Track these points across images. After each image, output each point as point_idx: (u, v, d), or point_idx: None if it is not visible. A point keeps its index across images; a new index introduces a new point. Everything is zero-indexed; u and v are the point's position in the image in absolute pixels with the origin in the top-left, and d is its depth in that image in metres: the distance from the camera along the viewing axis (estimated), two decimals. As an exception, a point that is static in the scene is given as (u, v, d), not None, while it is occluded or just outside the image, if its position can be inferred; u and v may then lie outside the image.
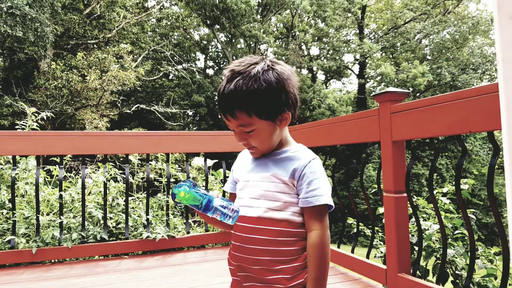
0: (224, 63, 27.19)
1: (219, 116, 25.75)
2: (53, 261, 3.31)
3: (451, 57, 23.59)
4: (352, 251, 2.84)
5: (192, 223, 4.10)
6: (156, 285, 2.67)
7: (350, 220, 3.73)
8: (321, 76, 27.53)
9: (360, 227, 3.06)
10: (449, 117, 1.94)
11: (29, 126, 4.04)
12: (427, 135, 2.16)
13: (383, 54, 26.18)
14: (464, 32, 22.94)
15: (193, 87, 22.29)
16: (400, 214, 2.34)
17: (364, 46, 22.35)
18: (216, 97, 1.13)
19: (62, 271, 3.05)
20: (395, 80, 21.69)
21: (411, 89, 20.90)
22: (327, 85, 27.40)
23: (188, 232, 3.73)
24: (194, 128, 24.52)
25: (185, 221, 3.87)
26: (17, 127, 4.06)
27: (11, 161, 3.60)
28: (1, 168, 3.69)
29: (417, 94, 22.14)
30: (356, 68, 26.30)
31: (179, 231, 3.75)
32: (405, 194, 2.37)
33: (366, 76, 24.19)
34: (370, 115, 2.56)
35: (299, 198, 1.08)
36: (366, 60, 23.69)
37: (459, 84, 21.83)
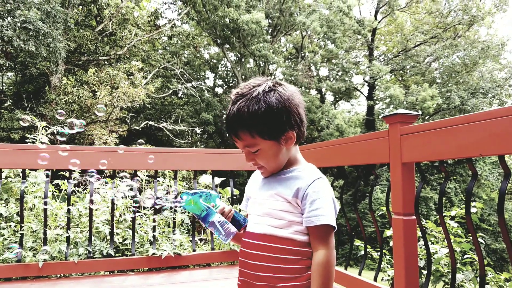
0: (233, 82, 27.49)
1: (227, 135, 25.92)
2: (59, 275, 3.30)
3: (460, 80, 23.62)
4: (360, 273, 2.80)
5: (198, 241, 4.08)
6: (161, 303, 2.65)
7: (358, 242, 3.68)
8: (329, 97, 27.67)
9: (367, 250, 3.02)
10: (460, 140, 1.94)
11: (39, 140, 4.10)
12: (437, 158, 2.15)
13: (393, 76, 26.32)
14: (474, 56, 23.02)
15: (201, 105, 22.50)
16: (408, 236, 2.31)
17: (373, 68, 22.51)
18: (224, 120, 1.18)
19: (68, 285, 3.04)
20: (404, 102, 21.71)
21: (420, 112, 20.87)
22: (336, 106, 27.50)
23: (194, 250, 3.71)
24: (202, 146, 24.63)
25: (191, 238, 3.85)
26: (27, 140, 4.12)
27: (21, 174, 3.64)
28: (11, 181, 3.73)
29: (426, 117, 22.10)
30: (365, 90, 26.42)
31: (185, 249, 3.73)
32: (414, 217, 2.34)
33: (375, 98, 24.25)
34: (379, 136, 2.56)
35: (302, 217, 1.08)
36: (376, 82, 23.80)
37: (469, 108, 21.78)
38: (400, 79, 26.76)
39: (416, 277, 2.30)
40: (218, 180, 4.65)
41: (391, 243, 2.79)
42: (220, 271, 3.55)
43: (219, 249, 3.87)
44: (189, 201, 1.09)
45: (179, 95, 24.25)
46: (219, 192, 4.61)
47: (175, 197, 1.14)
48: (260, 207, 1.14)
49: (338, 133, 20.57)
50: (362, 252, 3.31)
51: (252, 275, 1.09)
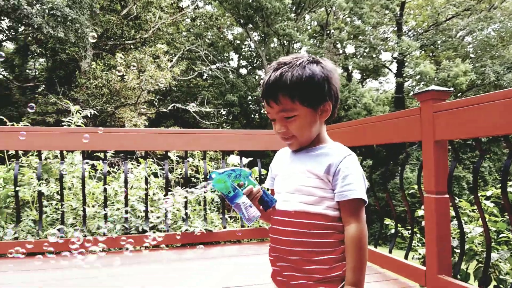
0: (257, 62, 27.29)
1: (252, 116, 25.91)
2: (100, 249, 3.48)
3: (496, 55, 22.54)
4: (390, 252, 2.82)
5: (228, 219, 4.18)
6: (196, 276, 2.76)
7: (387, 221, 3.68)
8: (356, 75, 27.09)
9: (397, 228, 3.02)
10: (496, 117, 1.90)
11: (74, 123, 4.25)
12: (472, 135, 2.11)
13: (423, 52, 25.41)
14: (510, 28, 21.85)
15: (226, 87, 22.54)
16: (441, 215, 2.30)
17: (402, 44, 21.78)
18: (260, 88, 1.16)
19: (108, 259, 3.20)
20: (435, 79, 21.00)
21: (452, 88, 20.17)
22: (363, 84, 26.92)
23: (224, 227, 3.81)
24: (228, 127, 24.77)
25: (221, 216, 3.95)
26: (63, 123, 4.28)
27: (59, 155, 3.81)
28: (50, 162, 3.91)
29: (459, 94, 21.34)
30: (394, 67, 25.67)
31: (216, 226, 3.84)
32: (447, 196, 2.32)
33: (404, 75, 23.55)
34: (411, 114, 2.53)
35: (334, 193, 1.10)
36: (405, 59, 23.06)
37: (504, 83, 20.84)
38: (431, 54, 25.80)
39: (448, 256, 2.29)
40: (245, 160, 4.70)
41: (422, 223, 2.78)
42: (250, 247, 3.65)
43: (248, 226, 3.96)
44: (218, 180, 1.10)
45: (204, 77, 24.34)
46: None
47: (207, 179, 1.16)
48: (290, 184, 1.15)
49: (365, 112, 20.20)
50: (392, 231, 3.31)
51: (285, 250, 1.12)
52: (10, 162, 3.85)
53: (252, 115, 26.19)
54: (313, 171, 1.12)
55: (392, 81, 27.23)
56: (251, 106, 25.70)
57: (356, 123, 3.22)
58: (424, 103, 2.39)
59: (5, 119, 4.15)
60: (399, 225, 3.14)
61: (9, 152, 3.84)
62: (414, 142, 2.64)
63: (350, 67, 25.26)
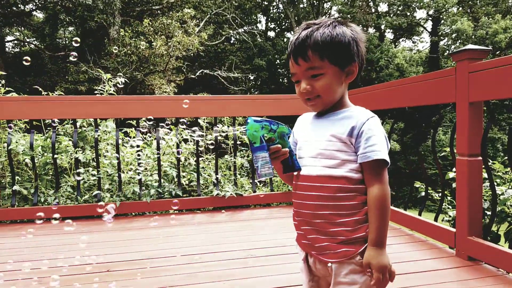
0: (286, 24, 26.61)
1: (281, 80, 25.58)
2: (134, 214, 3.66)
3: (540, 8, 20.95)
4: (420, 214, 2.81)
5: (258, 183, 4.26)
6: (227, 237, 2.87)
7: (418, 184, 3.64)
8: (389, 35, 25.99)
9: (428, 191, 2.99)
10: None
11: (106, 91, 4.36)
12: (509, 96, 2.02)
13: (460, 8, 23.92)
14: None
15: (254, 51, 22.23)
16: (473, 177, 2.25)
17: (438, 1, 20.56)
18: (289, 47, 1.15)
19: (143, 222, 3.37)
20: (473, 37, 19.87)
21: (490, 46, 19.06)
22: (396, 44, 25.85)
23: (254, 191, 3.90)
24: (256, 93, 24.65)
25: (251, 181, 4.03)
26: (96, 92, 4.39)
27: (93, 123, 3.94)
28: (85, 130, 4.06)
29: (497, 52, 20.16)
30: (429, 25, 24.42)
31: (245, 190, 3.93)
32: (479, 158, 2.27)
33: (439, 33, 22.39)
34: (445, 75, 2.43)
35: (357, 154, 1.10)
36: (441, 16, 21.83)
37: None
38: (469, 11, 24.27)
39: (479, 218, 2.27)
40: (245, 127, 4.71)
41: (453, 185, 2.74)
42: (279, 210, 3.72)
43: (277, 190, 4.02)
44: (251, 126, 1.08)
45: (232, 42, 24.05)
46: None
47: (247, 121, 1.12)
48: (313, 149, 1.15)
49: (398, 73, 19.52)
50: (422, 194, 3.28)
51: (309, 214, 1.14)
52: (47, 130, 4.02)
53: (281, 80, 25.87)
54: (336, 135, 1.12)
55: (426, 40, 26.00)
56: (279, 70, 25.35)
57: (388, 85, 3.13)
58: (460, 63, 2.29)
59: (40, 89, 4.30)
60: (429, 187, 3.11)
61: (46, 121, 4.01)
62: (448, 103, 2.55)
63: (382, 27, 24.21)
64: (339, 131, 1.12)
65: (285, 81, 25.68)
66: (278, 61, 24.41)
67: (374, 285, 1.07)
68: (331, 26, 1.11)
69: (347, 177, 1.11)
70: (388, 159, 1.09)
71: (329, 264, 1.11)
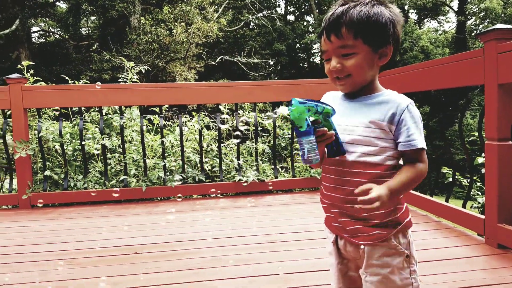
0: (306, 7, 26.16)
1: (301, 64, 25.29)
2: (159, 198, 3.74)
3: None
4: (447, 200, 2.76)
5: (280, 169, 4.27)
6: (249, 222, 2.90)
7: (445, 169, 3.57)
8: (413, 15, 25.22)
9: (455, 177, 2.93)
10: None
11: (130, 79, 4.42)
12: (542, 76, 1.95)
13: (489, -15, 22.91)
14: None
15: (273, 35, 22.00)
16: (503, 162, 2.20)
17: (465, -22, 19.76)
18: (323, 23, 1.11)
19: (168, 206, 3.45)
20: (502, 15, 19.06)
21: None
22: (421, 25, 25.08)
23: (276, 177, 3.91)
24: (276, 78, 24.50)
25: (273, 166, 4.04)
26: (119, 80, 4.46)
27: (118, 111, 4.02)
28: (110, 117, 4.14)
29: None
30: (455, 4, 23.54)
31: (267, 176, 3.95)
32: (510, 142, 2.20)
33: (467, 12, 21.57)
34: (472, 56, 2.36)
35: (397, 142, 1.08)
36: (468, -6, 21.00)
37: None
38: (499, -12, 23.21)
39: (510, 204, 2.21)
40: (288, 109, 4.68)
41: (482, 171, 2.68)
42: (302, 196, 3.73)
43: (299, 176, 4.02)
44: (295, 109, 1.02)
45: (251, 27, 23.87)
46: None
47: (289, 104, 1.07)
48: (347, 134, 1.11)
49: (423, 55, 18.99)
50: (449, 180, 3.22)
51: (340, 198, 1.12)
52: (74, 118, 4.13)
53: (301, 64, 25.58)
54: (375, 122, 1.08)
55: (453, 20, 25.11)
56: (299, 54, 25.05)
57: (412, 67, 3.06)
58: (488, 44, 2.21)
59: (66, 78, 4.40)
60: (457, 173, 3.05)
61: (73, 109, 4.11)
62: (476, 86, 2.48)
63: (406, 7, 23.49)
64: (379, 118, 1.08)
65: (306, 65, 25.39)
66: (298, 45, 24.11)
67: (360, 201, 1.01)
68: (369, 5, 1.07)
69: (383, 164, 1.09)
70: (425, 146, 1.10)
71: (362, 247, 1.11)
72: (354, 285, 1.20)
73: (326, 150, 1.12)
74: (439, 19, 25.97)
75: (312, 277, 1.95)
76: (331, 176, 1.15)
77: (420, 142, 1.07)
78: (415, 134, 1.07)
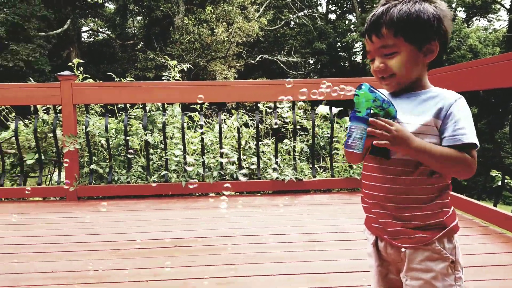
0: (348, 6, 25.71)
1: (342, 63, 24.89)
2: (198, 194, 3.82)
3: None
4: (495, 205, 2.63)
5: (318, 168, 4.23)
6: (287, 220, 2.90)
7: (494, 173, 3.39)
8: (461, 14, 24.13)
9: (505, 180, 2.78)
10: None
11: (172, 77, 4.54)
12: None
13: (546, -20, 21.51)
14: None
15: (314, 34, 21.79)
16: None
17: (520, -27, 18.64)
18: (365, 24, 1.10)
19: (206, 202, 3.51)
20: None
21: None
22: (469, 23, 23.94)
23: (314, 176, 3.88)
24: (316, 77, 24.26)
25: (311, 166, 4.01)
26: (163, 78, 4.59)
27: (161, 108, 4.14)
28: (153, 114, 4.27)
29: None
30: (507, 1, 22.27)
31: (305, 175, 3.92)
32: None
33: (520, 9, 20.33)
34: (528, 53, 2.22)
35: (442, 137, 1.04)
36: (522, -10, 19.80)
37: None
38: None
39: None
40: (335, 110, 4.62)
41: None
42: (340, 196, 3.68)
43: (338, 176, 3.97)
44: (363, 94, 1.01)
45: (291, 26, 23.77)
46: (337, 122, 4.59)
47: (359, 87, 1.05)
48: None
49: (471, 54, 18.13)
50: (499, 183, 3.06)
51: (381, 197, 1.09)
52: (119, 114, 4.29)
53: (342, 63, 25.19)
54: (419, 118, 1.05)
55: (504, 18, 23.75)
56: (340, 53, 24.67)
57: (459, 66, 2.93)
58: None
59: (113, 75, 4.59)
60: (506, 177, 2.89)
61: (118, 105, 4.28)
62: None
63: (453, 5, 22.51)
64: (424, 114, 1.05)
65: (347, 64, 24.96)
66: (339, 44, 23.75)
67: (372, 121, 0.99)
68: (411, 3, 1.05)
69: None
70: (478, 143, 1.03)
71: (403, 250, 1.08)
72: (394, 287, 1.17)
73: (371, 147, 1.08)
74: (489, 17, 24.69)
75: (349, 278, 1.92)
76: (373, 174, 1.12)
77: (469, 136, 1.01)
78: (464, 129, 1.01)
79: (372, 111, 1.01)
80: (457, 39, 18.65)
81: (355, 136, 1.02)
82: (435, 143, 1.04)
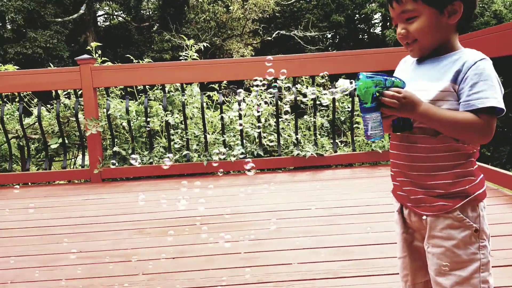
0: (366, -25, 24.79)
1: (361, 36, 24.26)
2: (220, 172, 3.85)
3: None
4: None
5: (339, 143, 4.19)
6: (308, 196, 2.90)
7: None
8: (486, -23, 22.98)
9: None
10: None
11: (190, 57, 4.52)
12: None
13: None
14: None
15: (332, 7, 21.19)
16: None
17: None
18: None
19: (228, 181, 3.54)
20: None
21: None
22: (494, -13, 22.80)
23: (335, 151, 3.84)
24: (334, 51, 23.76)
25: (332, 141, 3.97)
26: (180, 58, 4.58)
27: (179, 88, 4.14)
28: (172, 94, 4.28)
29: None
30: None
31: (326, 150, 3.89)
32: None
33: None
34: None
35: (459, 102, 1.00)
36: None
37: None
38: None
39: None
40: (355, 84, 4.52)
41: None
42: (362, 170, 3.64)
43: (359, 150, 3.92)
44: (362, 84, 0.97)
45: (308, -1, 23.18)
46: (358, 96, 4.50)
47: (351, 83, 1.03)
48: None
49: (495, 21, 17.32)
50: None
51: (405, 166, 1.08)
52: (139, 96, 4.33)
53: (361, 36, 24.52)
54: (437, 84, 1.01)
55: (534, -22, 22.45)
56: (359, 25, 23.99)
57: (484, 32, 2.80)
58: None
59: (131, 57, 4.60)
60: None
61: (138, 87, 4.31)
62: None
63: (478, -32, 21.42)
64: (441, 79, 1.02)
65: (366, 36, 24.31)
66: (357, 15, 23.07)
67: (388, 93, 0.97)
68: None
69: None
70: (500, 105, 0.97)
71: (424, 217, 1.07)
72: (419, 255, 1.15)
73: (392, 124, 1.06)
74: (517, -22, 23.40)
75: (373, 250, 1.92)
76: (396, 143, 1.11)
77: (486, 101, 0.95)
78: (480, 93, 0.96)
79: (378, 94, 0.98)
80: (480, 5, 17.82)
81: (371, 126, 1.01)
82: (455, 109, 1.00)
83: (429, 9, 1.01)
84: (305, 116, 4.48)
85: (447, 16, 1.02)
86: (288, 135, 4.05)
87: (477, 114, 0.97)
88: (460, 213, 1.03)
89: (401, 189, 1.12)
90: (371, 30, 24.57)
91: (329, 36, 23.45)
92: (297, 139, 3.87)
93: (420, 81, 1.06)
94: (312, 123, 4.08)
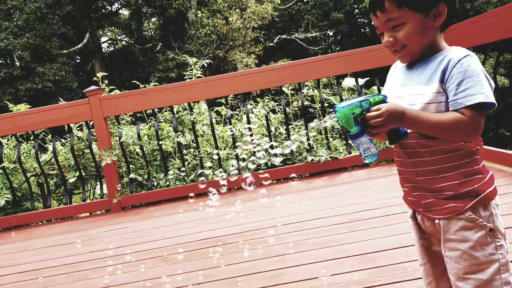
0: (361, -30, 24.70)
1: (362, 31, 24.13)
2: (236, 187, 3.84)
3: None
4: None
5: (352, 143, 4.15)
6: (329, 202, 2.87)
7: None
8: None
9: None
10: None
11: (194, 75, 4.56)
12: None
13: None
14: None
15: (329, 5, 21.16)
16: None
17: None
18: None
19: (246, 195, 3.53)
20: None
21: None
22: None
23: (349, 153, 3.81)
24: (337, 49, 23.64)
25: (345, 142, 3.94)
26: (185, 77, 4.62)
27: (187, 107, 4.17)
28: (181, 114, 4.32)
29: None
30: None
31: (340, 152, 3.86)
32: None
33: None
34: None
35: (448, 102, 0.99)
36: None
37: None
38: None
39: None
40: (361, 81, 4.48)
41: None
42: (379, 169, 3.59)
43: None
44: (341, 115, 0.99)
45: (305, 0, 23.21)
46: (365, 93, 4.46)
47: (332, 113, 1.06)
48: (412, 105, 1.03)
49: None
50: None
51: (410, 172, 1.08)
52: (149, 120, 4.37)
53: (362, 30, 24.39)
54: (429, 87, 1.01)
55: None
56: (359, 20, 23.87)
57: (486, 16, 2.75)
58: None
59: (138, 83, 4.66)
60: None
61: (147, 111, 4.35)
62: None
63: None
64: (429, 81, 1.02)
65: (367, 30, 24.16)
66: (357, 10, 22.97)
67: (370, 115, 0.97)
68: None
69: None
70: (489, 100, 0.95)
71: (437, 221, 1.05)
72: (440, 260, 1.13)
73: (387, 137, 1.06)
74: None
75: (399, 254, 1.88)
76: (398, 150, 1.11)
77: (471, 98, 0.94)
78: (466, 91, 0.95)
79: (360, 117, 0.99)
80: (481, -16, 17.55)
81: (363, 149, 1.03)
82: (448, 109, 1.00)
83: (415, 15, 1.01)
84: (315, 120, 4.45)
85: (432, 19, 1.02)
86: (300, 142, 4.03)
87: (465, 112, 0.97)
88: (472, 214, 1.01)
89: (411, 194, 1.12)
90: (372, 24, 24.41)
91: (331, 34, 23.37)
92: (309, 144, 3.84)
93: (413, 86, 1.06)
94: (323, 126, 4.04)
